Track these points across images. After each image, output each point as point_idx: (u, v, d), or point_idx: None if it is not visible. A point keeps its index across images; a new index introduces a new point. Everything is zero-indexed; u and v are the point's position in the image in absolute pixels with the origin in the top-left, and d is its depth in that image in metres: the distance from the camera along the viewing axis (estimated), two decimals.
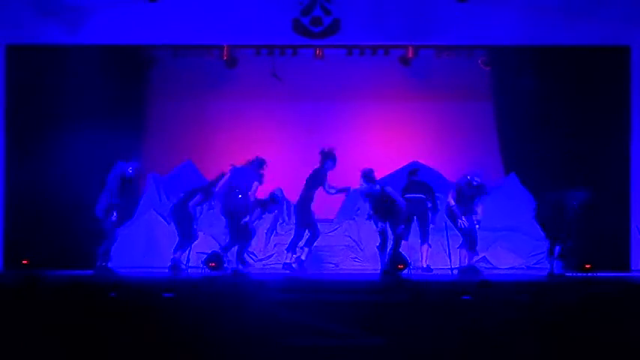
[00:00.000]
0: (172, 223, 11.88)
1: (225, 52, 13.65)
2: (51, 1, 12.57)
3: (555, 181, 12.87)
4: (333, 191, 12.25)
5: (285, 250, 12.31)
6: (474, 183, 11.19)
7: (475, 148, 12.04)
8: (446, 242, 11.92)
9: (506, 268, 12.56)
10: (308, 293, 8.92)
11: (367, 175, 11.30)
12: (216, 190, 11.66)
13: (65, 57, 12.88)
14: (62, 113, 12.93)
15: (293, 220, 12.64)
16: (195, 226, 11.70)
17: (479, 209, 11.32)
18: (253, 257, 12.93)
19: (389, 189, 11.35)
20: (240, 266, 11.58)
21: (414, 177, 12.24)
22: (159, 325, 8.05)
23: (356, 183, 13.32)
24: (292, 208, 13.37)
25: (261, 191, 11.92)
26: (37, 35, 12.55)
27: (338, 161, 11.92)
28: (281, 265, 12.39)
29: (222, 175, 11.76)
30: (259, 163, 11.78)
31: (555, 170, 12.85)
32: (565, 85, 12.97)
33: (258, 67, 13.86)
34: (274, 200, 12.01)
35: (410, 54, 13.64)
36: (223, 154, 12.74)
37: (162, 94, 13.98)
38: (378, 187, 11.26)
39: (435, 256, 12.27)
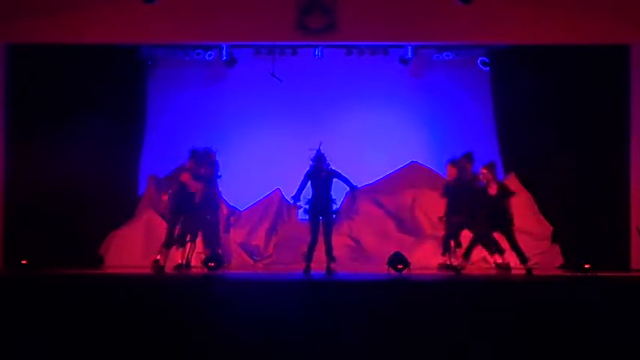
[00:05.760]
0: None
1: (224, 52, 13.66)
2: (51, 1, 12.56)
3: (555, 180, 12.86)
4: None
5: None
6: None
7: (474, 148, 12.00)
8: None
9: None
10: (308, 293, 8.92)
11: None
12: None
13: (65, 57, 12.89)
14: (62, 112, 12.94)
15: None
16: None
17: None
18: (254, 258, 12.90)
19: None
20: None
21: None
22: (157, 325, 8.05)
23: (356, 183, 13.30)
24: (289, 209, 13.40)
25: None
26: (38, 35, 12.54)
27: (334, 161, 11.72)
28: (281, 265, 12.36)
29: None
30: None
31: (555, 170, 12.84)
32: (565, 85, 12.97)
33: (258, 67, 13.86)
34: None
35: (409, 54, 13.65)
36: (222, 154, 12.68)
37: (161, 93, 13.97)
38: None
39: (434, 256, 12.26)
